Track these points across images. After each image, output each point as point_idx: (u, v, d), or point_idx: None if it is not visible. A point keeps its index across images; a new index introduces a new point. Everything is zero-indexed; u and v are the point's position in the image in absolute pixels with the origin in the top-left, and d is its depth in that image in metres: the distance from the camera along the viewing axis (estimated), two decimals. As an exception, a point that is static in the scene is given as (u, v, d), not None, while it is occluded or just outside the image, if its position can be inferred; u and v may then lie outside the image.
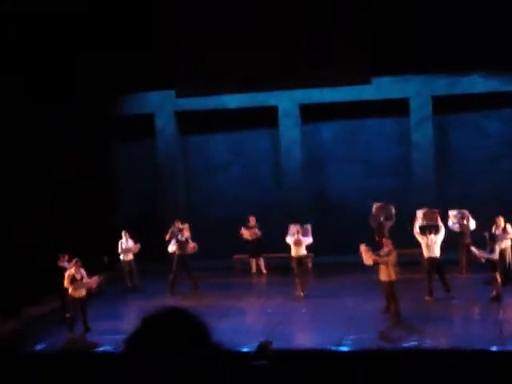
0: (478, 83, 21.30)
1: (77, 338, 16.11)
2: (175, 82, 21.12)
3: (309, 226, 19.37)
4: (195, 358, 2.22)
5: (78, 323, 16.26)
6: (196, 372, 2.22)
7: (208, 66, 20.66)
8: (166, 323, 2.30)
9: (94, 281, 16.89)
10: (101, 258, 20.99)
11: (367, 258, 16.23)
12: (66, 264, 17.35)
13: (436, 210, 18.36)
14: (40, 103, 19.78)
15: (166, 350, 2.23)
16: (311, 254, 20.23)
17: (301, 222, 19.42)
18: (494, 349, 13.37)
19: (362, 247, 16.37)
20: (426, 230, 17.68)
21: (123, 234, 20.38)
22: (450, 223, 19.44)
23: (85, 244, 19.20)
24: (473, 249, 17.35)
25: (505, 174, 21.92)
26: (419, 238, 17.63)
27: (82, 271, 16.49)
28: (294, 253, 18.68)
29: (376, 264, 16.09)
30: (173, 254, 19.69)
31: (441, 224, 17.91)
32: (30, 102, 19.48)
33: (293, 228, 19.09)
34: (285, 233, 19.15)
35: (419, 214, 18.30)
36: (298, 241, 18.66)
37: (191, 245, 19.79)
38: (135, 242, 20.34)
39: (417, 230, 17.82)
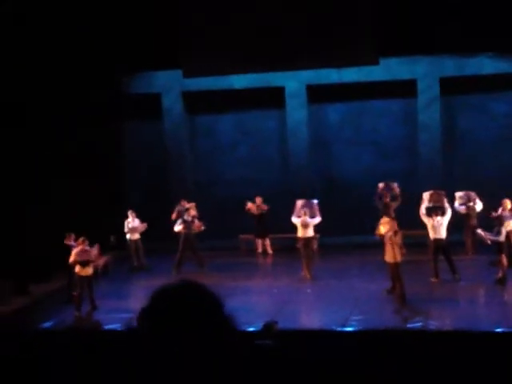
0: (486, 65, 21.22)
1: (84, 316, 16.22)
2: (182, 61, 21.06)
3: (315, 203, 19.35)
4: (208, 333, 2.22)
5: (85, 301, 16.35)
6: (207, 347, 2.22)
7: (215, 46, 20.59)
8: (179, 296, 2.29)
9: (101, 259, 16.98)
10: (108, 237, 21.06)
11: (384, 227, 16.26)
12: (72, 243, 17.43)
13: (442, 192, 18.36)
14: (49, 80, 19.77)
15: (179, 323, 2.22)
16: (317, 235, 20.25)
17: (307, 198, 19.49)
18: (499, 330, 13.41)
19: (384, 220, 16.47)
20: (432, 211, 17.69)
21: (129, 213, 20.44)
22: (456, 205, 19.45)
23: (92, 223, 19.28)
24: (479, 231, 17.34)
25: (511, 155, 21.87)
26: (425, 219, 17.65)
27: (89, 249, 16.57)
28: (300, 234, 18.70)
29: (384, 242, 16.09)
30: (179, 233, 19.75)
31: (447, 205, 17.92)
32: (41, 78, 19.46)
33: (299, 206, 19.09)
34: (291, 211, 19.16)
35: (425, 195, 18.32)
36: (305, 222, 18.68)
37: (197, 223, 19.83)
38: (141, 221, 20.40)
39: (423, 211, 17.83)
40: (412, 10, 19.39)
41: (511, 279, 16.89)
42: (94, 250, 17.01)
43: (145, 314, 2.27)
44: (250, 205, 21.40)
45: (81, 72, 20.90)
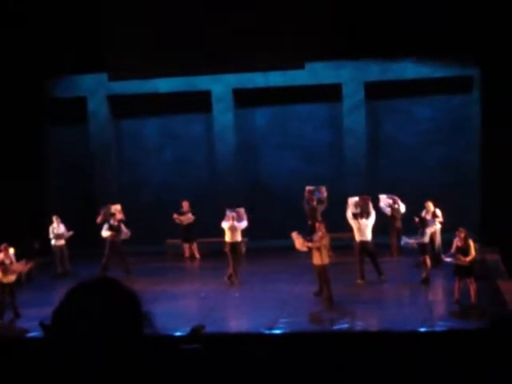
0: (408, 69, 21.59)
1: (6, 323, 15.85)
2: (107, 65, 20.82)
3: (242, 210, 19.40)
4: (124, 330, 2.15)
5: (8, 309, 15.98)
6: (124, 345, 2.15)
7: (140, 49, 20.41)
8: (93, 293, 2.21)
9: (23, 266, 16.63)
10: (31, 243, 20.65)
11: (300, 244, 16.39)
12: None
13: (368, 197, 18.58)
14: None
15: (94, 319, 2.14)
16: (245, 239, 20.26)
17: (235, 206, 19.48)
18: (423, 330, 13.63)
19: (294, 234, 16.52)
20: (358, 214, 17.92)
21: (54, 218, 20.09)
22: (381, 204, 19.74)
23: (15, 229, 18.88)
24: (404, 241, 17.64)
25: (434, 159, 22.31)
26: (351, 221, 17.85)
27: (11, 256, 16.22)
28: (228, 238, 18.66)
29: (309, 249, 16.23)
30: (105, 238, 19.51)
31: (372, 210, 18.15)
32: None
33: (228, 213, 19.09)
34: (218, 218, 19.13)
35: (350, 201, 18.49)
36: (233, 226, 18.66)
37: (124, 231, 19.64)
38: (66, 226, 20.07)
39: (349, 214, 18.02)
40: (337, 15, 19.59)
41: (435, 280, 17.22)
42: (19, 265, 16.61)
43: (58, 310, 2.17)
44: (176, 216, 21.26)
45: (5, 74, 20.48)
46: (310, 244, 16.16)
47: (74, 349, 2.12)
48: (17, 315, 16.05)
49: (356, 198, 18.56)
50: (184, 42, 20.12)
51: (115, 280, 2.26)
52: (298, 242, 16.41)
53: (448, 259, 15.66)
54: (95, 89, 22.78)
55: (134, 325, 2.17)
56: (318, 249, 15.96)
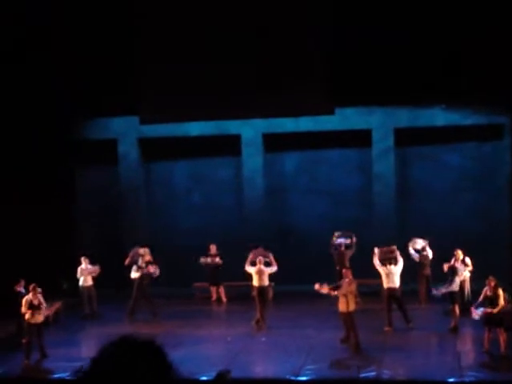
0: (439, 116, 21.61)
1: (33, 364, 15.86)
2: (139, 108, 21.07)
3: (270, 254, 19.34)
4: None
5: (35, 349, 16.02)
6: None
7: (172, 93, 20.63)
8: (123, 353, 2.25)
9: (51, 307, 16.70)
10: (59, 284, 20.76)
11: (325, 290, 16.28)
12: (22, 289, 17.14)
13: (393, 247, 18.36)
14: (5, 124, 19.62)
15: (122, 380, 2.19)
16: (272, 283, 20.19)
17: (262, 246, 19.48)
18: (451, 380, 13.44)
19: (317, 286, 16.37)
20: (386, 260, 17.79)
21: (82, 259, 20.19)
22: (410, 250, 19.61)
23: (44, 270, 19.00)
24: (434, 292, 17.52)
25: (464, 206, 22.19)
26: (379, 268, 17.73)
27: (40, 297, 16.28)
28: (255, 282, 18.59)
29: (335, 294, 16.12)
30: (133, 280, 19.56)
31: (399, 257, 17.98)
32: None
33: (253, 255, 19.04)
34: (246, 259, 19.08)
35: (376, 251, 18.26)
36: (261, 270, 18.60)
37: (152, 267, 19.65)
38: (94, 266, 20.15)
39: (376, 261, 17.88)
40: (368, 61, 19.70)
41: (464, 328, 17.00)
42: (47, 308, 16.69)
43: (87, 371, 2.22)
44: (202, 260, 21.30)
45: (38, 117, 20.80)
46: (335, 292, 16.05)
47: None
48: (44, 355, 16.06)
49: (381, 249, 18.32)
50: (215, 86, 20.32)
51: (143, 339, 2.30)
52: (323, 290, 16.30)
53: (477, 317, 15.41)
54: (126, 131, 23.03)
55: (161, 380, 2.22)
56: (345, 295, 15.85)
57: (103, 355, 2.23)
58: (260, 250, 19.39)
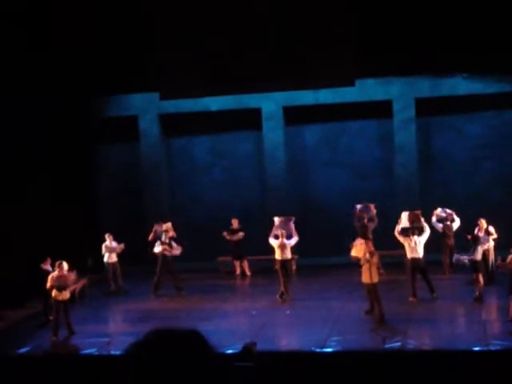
0: (460, 85, 21.43)
1: (60, 340, 16.04)
2: (159, 84, 21.09)
3: (292, 221, 19.35)
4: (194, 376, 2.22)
5: (62, 326, 16.20)
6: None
7: (191, 69, 20.64)
8: (165, 345, 2.27)
9: (78, 284, 16.86)
10: (85, 260, 20.94)
11: (358, 250, 16.28)
12: (49, 267, 17.30)
13: (418, 212, 18.39)
14: (25, 103, 19.71)
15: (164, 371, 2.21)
16: (296, 256, 20.23)
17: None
18: (477, 349, 13.45)
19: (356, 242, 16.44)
20: (409, 230, 17.75)
21: (107, 236, 20.32)
22: (433, 220, 19.57)
23: (68, 247, 19.16)
24: (456, 257, 17.47)
25: (486, 175, 22.08)
26: (401, 239, 17.68)
27: (66, 274, 16.43)
28: (278, 255, 18.62)
29: (361, 263, 16.10)
30: (157, 255, 19.67)
31: (425, 224, 17.95)
32: (15, 100, 19.39)
33: (276, 225, 19.09)
34: (269, 233, 19.12)
35: (404, 215, 18.29)
36: (283, 244, 18.62)
37: (175, 247, 19.76)
38: (119, 243, 20.29)
39: (398, 230, 17.85)
40: (387, 32, 19.57)
41: (488, 298, 16.98)
42: (72, 276, 16.85)
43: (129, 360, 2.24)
44: (227, 234, 21.39)
45: (57, 95, 20.88)
46: (366, 254, 15.95)
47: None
48: (71, 332, 16.23)
49: (408, 212, 18.33)
50: (234, 61, 20.29)
51: (198, 335, 2.31)
52: (358, 247, 16.31)
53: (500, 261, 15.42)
54: (147, 108, 23.07)
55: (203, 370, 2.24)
56: (368, 267, 15.86)
57: (144, 346, 2.24)
58: (282, 219, 19.40)
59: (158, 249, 19.65)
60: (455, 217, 19.72)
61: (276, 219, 19.43)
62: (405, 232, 17.79)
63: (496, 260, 17.63)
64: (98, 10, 20.04)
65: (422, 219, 18.12)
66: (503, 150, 21.97)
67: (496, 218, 18.98)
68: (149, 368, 2.18)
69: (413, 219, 18.09)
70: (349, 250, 17.57)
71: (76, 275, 17.42)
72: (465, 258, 17.07)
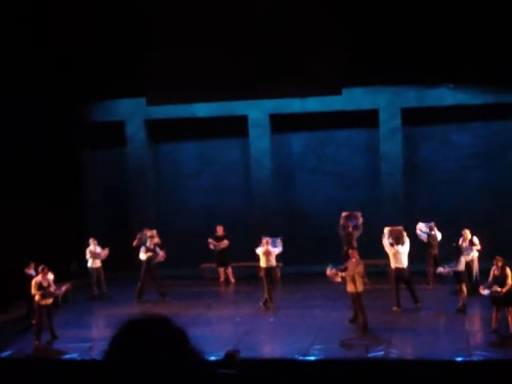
0: (446, 96, 21.54)
1: (43, 345, 15.97)
2: (146, 90, 21.08)
3: (279, 239, 19.34)
4: (173, 366, 2.24)
5: (45, 330, 16.12)
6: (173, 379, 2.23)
7: (179, 75, 20.64)
8: (145, 331, 2.30)
9: (60, 288, 16.79)
10: (68, 265, 20.86)
11: (335, 278, 16.28)
12: (32, 271, 17.23)
13: (400, 227, 18.30)
14: (10, 105, 19.64)
15: (145, 356, 2.23)
16: (280, 264, 20.24)
17: (271, 234, 19.42)
18: (459, 359, 13.49)
19: (328, 273, 16.36)
20: (394, 240, 17.79)
21: (91, 241, 20.26)
22: (418, 231, 19.63)
23: (52, 251, 19.08)
24: (439, 270, 17.53)
25: (473, 185, 22.17)
26: (387, 248, 17.74)
27: (49, 278, 16.36)
28: (263, 263, 18.63)
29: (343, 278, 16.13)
30: (142, 261, 19.63)
31: (406, 238, 17.94)
32: (3, 106, 19.35)
33: (263, 239, 19.06)
34: (254, 242, 19.12)
35: (386, 231, 18.25)
36: (268, 251, 18.64)
37: (160, 253, 19.72)
38: (103, 248, 20.23)
39: (385, 242, 17.86)
40: (374, 41, 19.64)
41: (471, 308, 17.03)
42: (56, 286, 16.77)
43: (110, 348, 2.27)
44: (211, 242, 21.33)
45: (44, 99, 20.81)
46: (343, 274, 16.05)
47: (129, 374, 2.21)
48: (54, 336, 16.17)
49: (390, 228, 18.30)
50: (221, 68, 20.31)
51: (162, 318, 2.33)
52: (334, 277, 16.29)
53: (485, 292, 15.46)
54: (133, 113, 23.05)
55: (183, 360, 2.24)
56: (352, 276, 15.88)
57: (123, 334, 2.28)
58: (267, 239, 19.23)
59: (143, 256, 19.60)
60: (436, 230, 19.77)
61: (263, 237, 19.20)
62: (390, 243, 17.81)
63: (479, 272, 17.73)
64: (87, 15, 20.00)
65: (405, 233, 18.08)
66: (489, 160, 22.08)
67: (482, 229, 19.06)
68: (126, 364, 2.21)
69: (396, 233, 18.07)
70: (335, 257, 17.52)
71: (64, 287, 17.32)
72: (448, 270, 17.13)
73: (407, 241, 17.81)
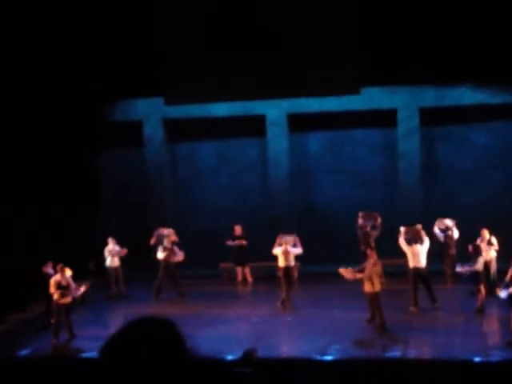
0: (465, 95, 21.44)
1: (61, 343, 16.06)
2: (163, 89, 21.13)
3: (294, 237, 19.25)
4: (168, 366, 2.28)
5: (63, 329, 16.21)
6: (167, 379, 2.27)
7: (196, 74, 20.67)
8: (141, 331, 2.35)
9: (79, 287, 16.87)
10: (87, 264, 20.96)
11: (350, 276, 16.29)
12: (50, 270, 17.32)
13: (419, 227, 18.25)
14: (29, 105, 19.76)
15: (140, 357, 2.27)
16: (298, 264, 20.23)
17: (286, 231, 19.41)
18: (477, 359, 13.43)
19: (341, 270, 16.39)
20: (412, 240, 17.74)
21: (109, 240, 20.35)
22: (435, 230, 19.54)
23: (71, 251, 19.19)
24: (458, 269, 17.44)
25: (490, 185, 22.06)
26: (405, 248, 17.69)
27: (68, 277, 16.45)
28: (281, 263, 18.61)
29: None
30: (160, 260, 19.68)
31: (425, 236, 17.90)
32: (19, 103, 19.45)
33: (280, 239, 19.00)
34: (272, 241, 19.08)
35: (403, 229, 18.19)
36: (287, 251, 18.60)
37: (179, 253, 19.76)
38: (121, 247, 20.31)
39: (402, 241, 17.84)
40: (393, 40, 19.59)
41: (489, 309, 16.96)
42: (75, 285, 16.84)
43: (106, 347, 2.30)
44: (229, 242, 21.41)
45: (63, 98, 20.91)
46: (360, 274, 16.03)
47: (127, 372, 2.25)
48: (72, 335, 16.26)
49: (406, 228, 18.20)
50: (240, 67, 20.32)
51: (162, 320, 2.41)
52: (348, 275, 16.32)
53: (502, 294, 15.39)
54: (151, 113, 23.11)
55: (179, 355, 2.28)
56: (370, 276, 15.85)
57: (121, 333, 2.33)
58: (287, 236, 19.21)
59: (160, 255, 19.67)
60: (455, 229, 19.70)
61: (279, 237, 19.19)
62: (408, 241, 17.78)
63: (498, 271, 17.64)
64: (103, 14, 20.08)
65: (423, 232, 18.04)
66: (508, 160, 21.96)
67: (501, 229, 18.98)
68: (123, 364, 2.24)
69: (413, 233, 18.00)
70: (353, 257, 17.49)
71: (83, 286, 17.41)
72: (466, 269, 17.05)
73: (426, 240, 17.75)
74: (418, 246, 17.50)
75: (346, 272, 16.30)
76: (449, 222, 19.84)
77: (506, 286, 15.34)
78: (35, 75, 19.71)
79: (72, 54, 20.26)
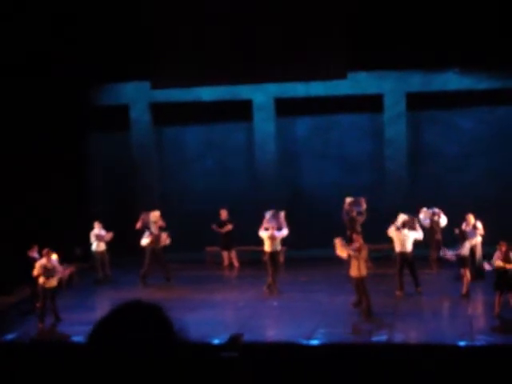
0: (451, 81, 21.46)
1: (47, 328, 16.04)
2: (150, 73, 21.03)
3: (282, 214, 19.20)
4: (155, 350, 2.28)
5: (49, 313, 16.19)
6: (156, 363, 2.27)
7: (183, 58, 20.59)
8: (128, 316, 2.35)
9: (65, 271, 16.85)
10: (73, 248, 20.90)
11: (341, 250, 16.30)
12: (36, 254, 17.27)
13: (414, 218, 18.28)
14: (13, 90, 19.63)
15: (128, 341, 2.27)
16: (284, 248, 20.24)
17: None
18: (462, 344, 13.52)
19: (338, 240, 16.42)
20: (400, 225, 17.75)
21: (96, 224, 20.29)
22: (420, 216, 19.57)
23: (57, 235, 19.12)
24: (443, 253, 17.49)
25: (476, 171, 22.13)
26: (392, 233, 17.72)
27: (54, 261, 16.41)
28: (267, 247, 18.59)
29: (349, 257, 16.13)
30: (145, 246, 19.65)
31: (418, 228, 17.92)
32: (8, 88, 19.32)
33: (267, 218, 18.96)
34: (258, 226, 19.06)
35: (401, 218, 18.08)
36: (273, 235, 18.58)
37: (164, 237, 19.73)
38: (108, 231, 20.24)
39: (392, 228, 17.80)
40: (380, 26, 19.57)
41: (475, 293, 17.06)
42: (59, 267, 16.79)
43: (93, 331, 2.30)
44: (215, 227, 21.40)
45: (48, 83, 20.78)
46: (351, 251, 16.02)
47: (115, 357, 2.23)
48: (58, 319, 16.24)
49: (406, 217, 18.15)
50: (226, 52, 20.25)
51: (149, 305, 2.40)
52: (340, 248, 16.30)
53: (488, 266, 15.55)
54: (138, 97, 22.99)
55: (166, 339, 2.29)
56: (356, 260, 15.89)
57: (109, 318, 2.33)
58: (272, 212, 19.23)
59: (145, 241, 19.62)
60: (442, 215, 19.76)
61: (267, 214, 19.29)
62: (396, 227, 17.77)
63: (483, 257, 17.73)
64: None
65: (417, 224, 18.06)
66: (494, 145, 22.02)
67: (486, 214, 19.06)
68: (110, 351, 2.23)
69: (409, 222, 17.96)
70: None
71: (65, 268, 17.37)
72: (451, 254, 17.13)
73: (420, 230, 17.79)
74: (404, 231, 17.55)
75: (340, 245, 16.28)
76: (432, 211, 19.85)
77: (492, 264, 15.49)
78: (19, 59, 19.55)
79: (58, 37, 20.12)
